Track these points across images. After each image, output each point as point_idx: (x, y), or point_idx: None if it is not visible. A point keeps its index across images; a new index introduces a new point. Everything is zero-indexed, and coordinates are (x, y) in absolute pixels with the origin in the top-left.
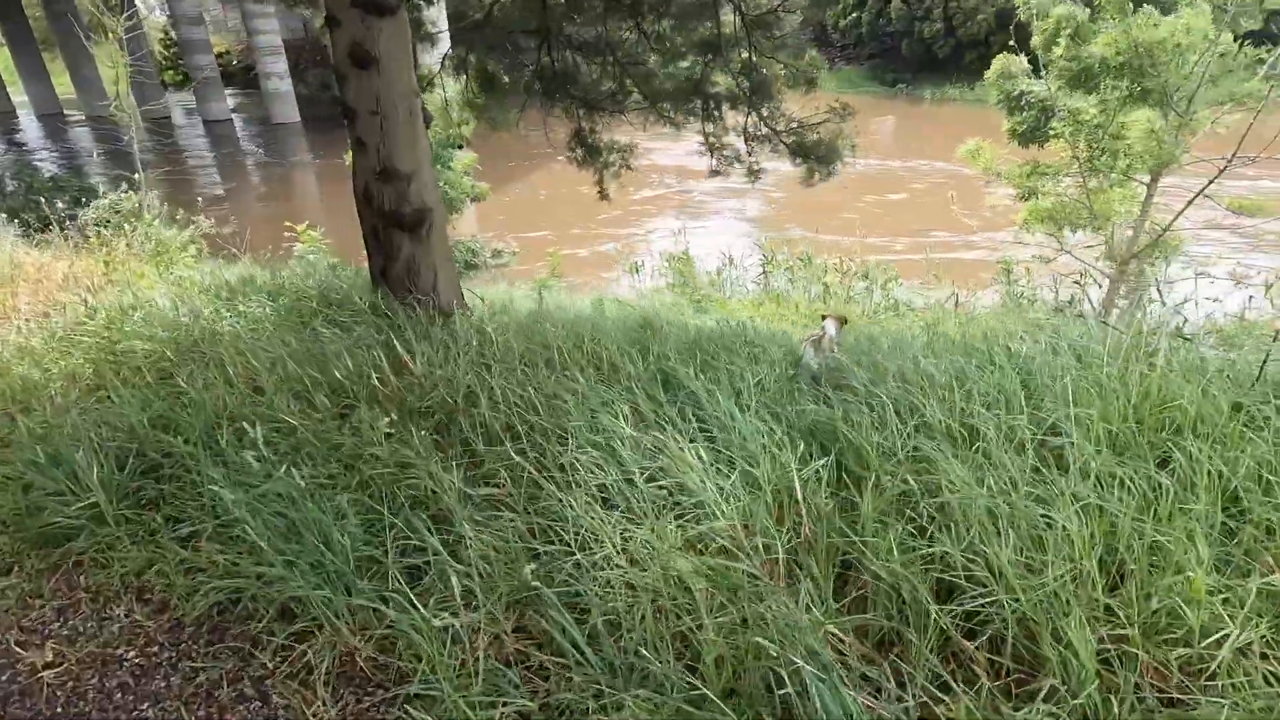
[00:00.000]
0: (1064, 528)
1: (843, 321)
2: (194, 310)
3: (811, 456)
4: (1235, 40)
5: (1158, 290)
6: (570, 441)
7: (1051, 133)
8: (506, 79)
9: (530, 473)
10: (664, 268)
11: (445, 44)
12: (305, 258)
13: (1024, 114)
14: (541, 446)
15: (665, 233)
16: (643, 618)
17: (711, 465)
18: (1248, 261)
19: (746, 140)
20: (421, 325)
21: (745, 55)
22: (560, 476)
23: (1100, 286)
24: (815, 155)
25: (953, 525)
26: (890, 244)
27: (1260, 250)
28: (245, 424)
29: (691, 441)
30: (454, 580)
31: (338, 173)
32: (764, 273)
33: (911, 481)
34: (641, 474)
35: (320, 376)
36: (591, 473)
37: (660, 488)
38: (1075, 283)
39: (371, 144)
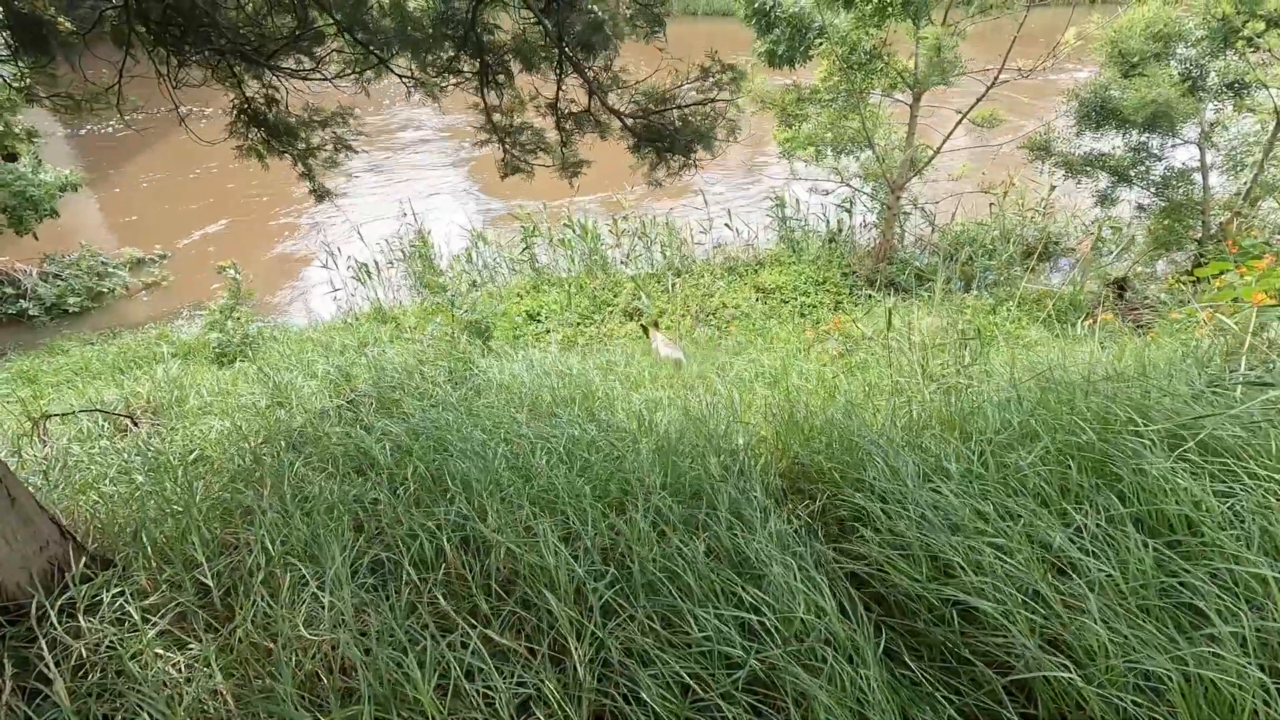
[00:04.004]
0: None
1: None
2: None
3: None
4: None
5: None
6: None
7: (813, 53)
8: (68, 22)
9: None
10: (400, 259)
11: None
12: None
13: (776, 32)
14: None
15: (394, 212)
16: None
17: None
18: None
19: (560, 121)
20: None
21: None
22: None
23: (870, 211)
24: (673, 143)
25: None
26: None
27: (998, 163)
28: None
29: None
30: None
31: None
32: (526, 248)
33: None
34: None
35: None
36: None
37: None
38: (844, 209)
39: None
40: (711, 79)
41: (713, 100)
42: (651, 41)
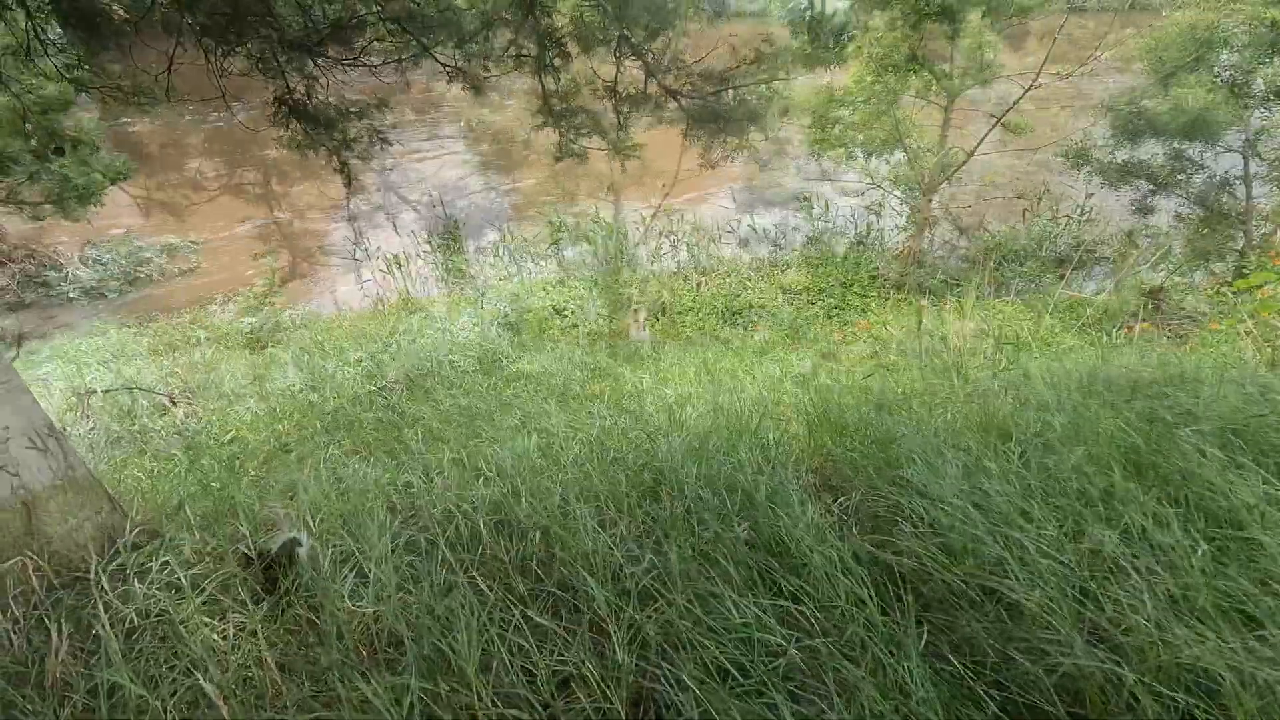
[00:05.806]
0: None
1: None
2: None
3: None
4: None
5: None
6: None
7: (848, 53)
8: (121, 10)
9: None
10: (429, 250)
11: None
12: None
13: (811, 33)
14: None
15: (427, 202)
16: None
17: None
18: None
19: (617, 104)
20: None
21: None
22: None
23: (899, 215)
24: (726, 122)
25: None
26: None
27: (1030, 168)
28: None
29: None
30: None
31: None
32: (554, 242)
33: None
34: None
35: None
36: None
37: None
38: (873, 212)
39: None
40: (765, 63)
41: (769, 80)
42: (714, 24)
